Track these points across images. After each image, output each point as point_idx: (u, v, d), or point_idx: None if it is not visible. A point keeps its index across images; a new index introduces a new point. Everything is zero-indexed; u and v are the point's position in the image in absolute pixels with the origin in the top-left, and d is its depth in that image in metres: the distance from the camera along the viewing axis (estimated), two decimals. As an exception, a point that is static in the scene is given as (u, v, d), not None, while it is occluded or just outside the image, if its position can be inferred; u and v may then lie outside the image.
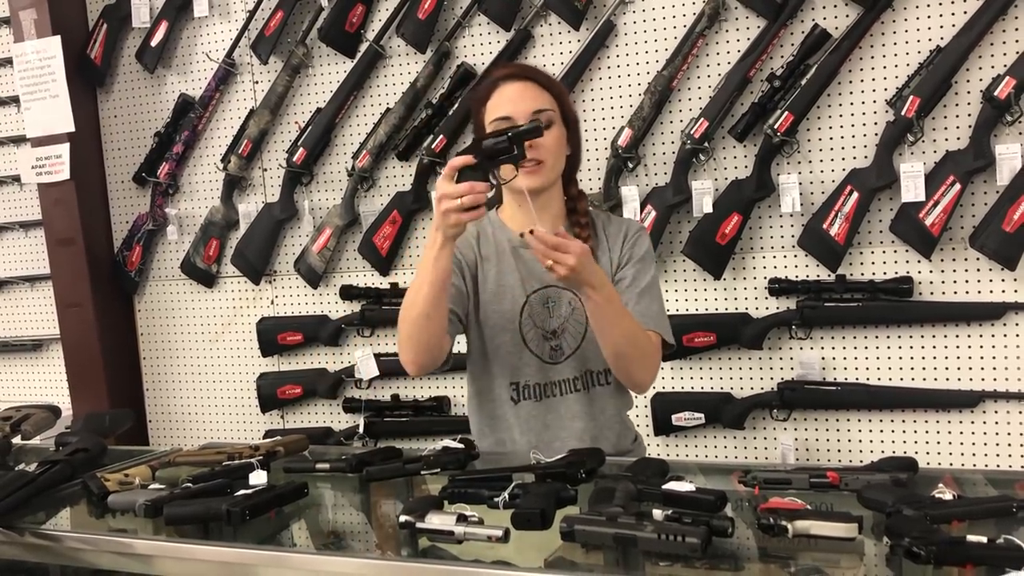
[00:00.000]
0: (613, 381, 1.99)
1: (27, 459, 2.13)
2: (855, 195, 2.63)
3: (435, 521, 1.38)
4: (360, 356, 3.26)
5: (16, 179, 3.74)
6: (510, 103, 1.90)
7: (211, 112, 3.45)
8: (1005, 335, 2.59)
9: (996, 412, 2.62)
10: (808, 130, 2.73)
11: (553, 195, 1.96)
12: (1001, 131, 2.54)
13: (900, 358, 2.70)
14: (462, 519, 1.36)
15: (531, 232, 1.70)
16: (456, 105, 3.05)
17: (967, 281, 2.62)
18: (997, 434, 2.63)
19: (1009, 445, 2.62)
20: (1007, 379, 2.60)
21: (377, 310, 3.25)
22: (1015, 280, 2.57)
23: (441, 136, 3.07)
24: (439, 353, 1.88)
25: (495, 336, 1.96)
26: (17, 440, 2.25)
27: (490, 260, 1.98)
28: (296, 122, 3.33)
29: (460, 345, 2.00)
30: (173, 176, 3.52)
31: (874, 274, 2.70)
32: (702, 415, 2.87)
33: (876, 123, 2.66)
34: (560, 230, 1.77)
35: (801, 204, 2.72)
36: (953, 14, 2.56)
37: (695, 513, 1.31)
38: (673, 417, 2.88)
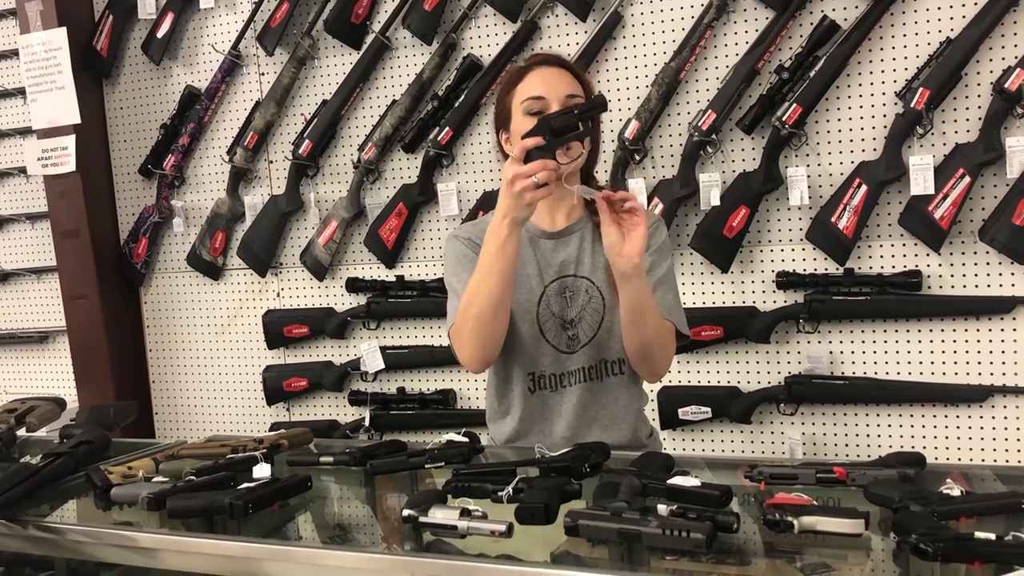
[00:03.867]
0: (626, 371, 1.99)
1: (31, 451, 2.13)
2: (864, 188, 2.62)
3: (439, 516, 1.37)
4: (366, 349, 3.26)
5: (22, 171, 3.74)
6: (545, 84, 1.90)
7: (217, 104, 3.45)
8: (1015, 329, 2.58)
9: (1005, 407, 2.61)
10: (816, 122, 2.71)
11: (572, 183, 1.95)
12: (1011, 124, 2.51)
13: (908, 352, 2.68)
14: (466, 514, 1.35)
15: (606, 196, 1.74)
16: (462, 97, 3.04)
17: (976, 275, 2.60)
18: (1006, 429, 2.61)
19: (1018, 440, 2.60)
20: (1016, 374, 2.58)
21: (383, 303, 3.24)
22: (1025, 274, 2.56)
23: (447, 128, 3.06)
24: (501, 344, 1.90)
25: (514, 327, 1.94)
26: (22, 432, 2.25)
27: None
28: (302, 114, 3.32)
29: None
30: (179, 168, 3.52)
31: (883, 268, 2.68)
32: (709, 409, 2.86)
33: (885, 115, 2.64)
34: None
35: (809, 197, 2.70)
36: (963, 5, 2.54)
37: (700, 508, 1.30)
38: (680, 411, 2.87)
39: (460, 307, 1.86)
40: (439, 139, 3.07)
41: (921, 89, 2.53)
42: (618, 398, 2.00)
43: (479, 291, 1.81)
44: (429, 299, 3.17)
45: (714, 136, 2.76)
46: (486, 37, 3.06)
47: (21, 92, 3.67)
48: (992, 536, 1.18)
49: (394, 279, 3.23)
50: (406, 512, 1.40)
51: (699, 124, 2.75)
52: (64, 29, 3.45)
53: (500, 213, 1.74)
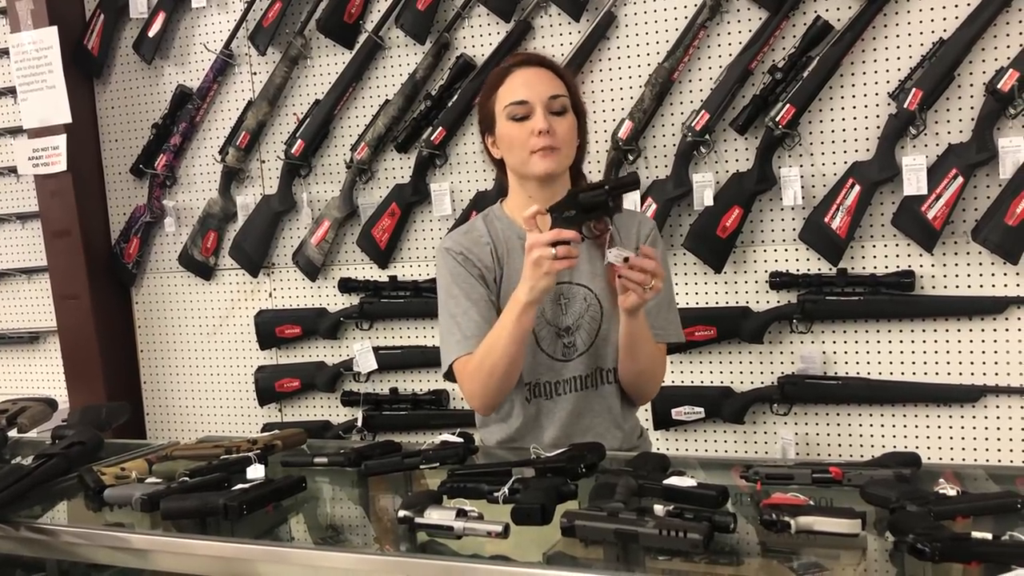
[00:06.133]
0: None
1: (23, 452, 2.12)
2: (857, 188, 2.62)
3: (434, 516, 1.37)
4: (358, 349, 3.24)
5: (13, 171, 3.72)
6: (525, 87, 1.88)
7: (209, 103, 3.44)
8: (1007, 329, 2.58)
9: (998, 407, 2.61)
10: (810, 123, 2.71)
11: (562, 185, 1.93)
12: (1004, 124, 2.52)
13: (902, 352, 2.69)
14: (461, 514, 1.35)
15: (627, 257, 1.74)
16: (456, 97, 3.04)
17: (969, 275, 2.60)
18: (998, 429, 2.62)
19: (1011, 440, 2.60)
20: (1009, 374, 2.59)
21: (376, 303, 3.24)
22: (1017, 274, 2.55)
23: (440, 128, 3.05)
24: (508, 393, 1.93)
25: None
26: (13, 433, 2.24)
27: (504, 259, 1.96)
28: (294, 114, 3.31)
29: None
30: (171, 168, 3.50)
31: (876, 268, 2.69)
32: (702, 409, 2.86)
33: (878, 116, 2.64)
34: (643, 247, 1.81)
35: (803, 197, 2.70)
36: (956, 6, 2.54)
37: (697, 508, 1.29)
38: (673, 411, 2.87)
39: (476, 358, 1.87)
40: (432, 139, 3.06)
41: (914, 89, 2.54)
42: (611, 406, 1.99)
43: (493, 350, 1.83)
44: (422, 299, 3.16)
45: (707, 136, 2.76)
46: (479, 37, 3.05)
47: (11, 91, 3.65)
48: (989, 536, 1.18)
49: (387, 279, 3.23)
50: (402, 513, 1.40)
51: (693, 124, 2.75)
52: (55, 28, 3.43)
53: (523, 278, 1.77)
